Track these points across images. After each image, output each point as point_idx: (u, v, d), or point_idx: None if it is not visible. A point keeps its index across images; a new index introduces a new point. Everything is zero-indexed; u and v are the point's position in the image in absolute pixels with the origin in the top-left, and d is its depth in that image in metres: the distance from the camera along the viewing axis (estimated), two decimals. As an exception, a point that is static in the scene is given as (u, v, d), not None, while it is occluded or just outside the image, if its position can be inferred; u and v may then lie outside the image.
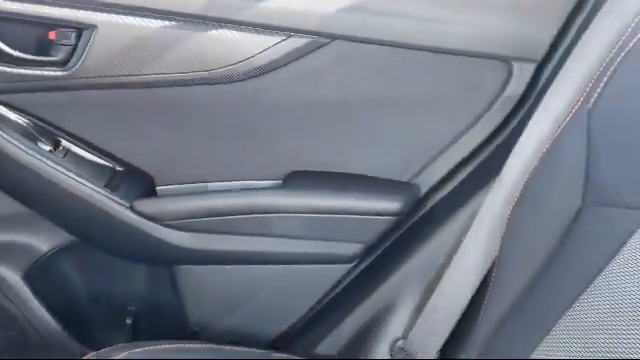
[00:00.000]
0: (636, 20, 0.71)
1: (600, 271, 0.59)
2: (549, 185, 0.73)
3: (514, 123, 0.88)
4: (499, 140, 0.90)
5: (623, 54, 0.69)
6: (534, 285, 0.67)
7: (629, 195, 0.61)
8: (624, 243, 0.58)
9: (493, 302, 0.75)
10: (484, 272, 0.79)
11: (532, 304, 0.67)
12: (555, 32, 0.87)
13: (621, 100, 0.68)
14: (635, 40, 0.69)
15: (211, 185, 0.92)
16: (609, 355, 0.54)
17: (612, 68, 0.69)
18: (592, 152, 0.68)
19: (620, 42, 0.71)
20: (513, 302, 0.69)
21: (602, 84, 0.70)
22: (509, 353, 0.66)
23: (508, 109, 0.90)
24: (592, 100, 0.71)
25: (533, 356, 0.61)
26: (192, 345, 0.84)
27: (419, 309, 0.87)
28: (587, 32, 0.79)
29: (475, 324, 0.75)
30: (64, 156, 0.89)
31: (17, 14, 0.82)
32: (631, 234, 0.57)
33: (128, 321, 1.02)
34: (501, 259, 0.77)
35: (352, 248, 0.94)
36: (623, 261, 0.58)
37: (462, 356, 0.74)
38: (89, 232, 0.94)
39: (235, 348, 0.86)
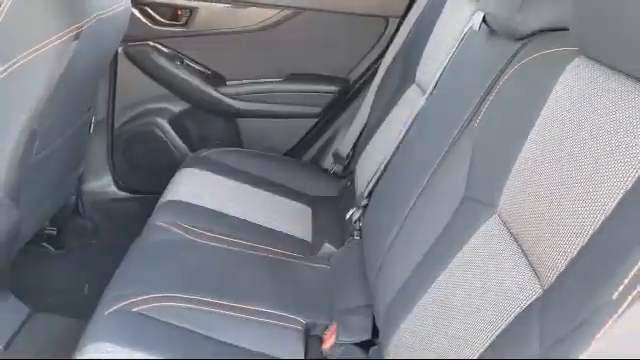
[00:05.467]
0: None
1: None
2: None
3: (390, 45, 1.87)
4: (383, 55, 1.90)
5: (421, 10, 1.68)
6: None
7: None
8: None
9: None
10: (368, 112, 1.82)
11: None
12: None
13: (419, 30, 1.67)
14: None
15: (249, 80, 1.98)
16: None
17: (417, 20, 1.68)
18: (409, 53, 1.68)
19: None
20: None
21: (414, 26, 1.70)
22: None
23: (387, 41, 1.90)
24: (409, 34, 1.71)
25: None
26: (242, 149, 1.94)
27: (345, 136, 1.91)
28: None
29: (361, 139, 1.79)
30: (186, 67, 1.96)
31: (166, 4, 1.87)
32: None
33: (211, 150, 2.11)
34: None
35: (316, 109, 2.00)
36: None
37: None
38: (197, 102, 2.02)
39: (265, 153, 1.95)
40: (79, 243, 1.97)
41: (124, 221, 2.03)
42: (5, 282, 1.43)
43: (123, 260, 1.29)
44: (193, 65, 1.98)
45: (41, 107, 1.32)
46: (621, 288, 0.53)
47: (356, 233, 1.44)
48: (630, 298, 0.52)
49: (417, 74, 1.58)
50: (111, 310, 1.07)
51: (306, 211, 1.72)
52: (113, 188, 2.08)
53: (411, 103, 1.54)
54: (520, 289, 0.73)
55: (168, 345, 1.02)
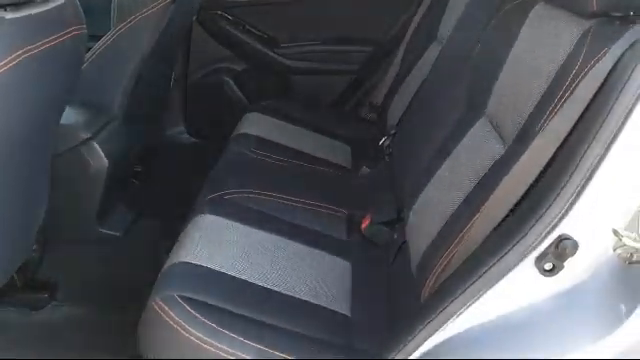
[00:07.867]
0: None
1: None
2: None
3: (417, 11, 2.23)
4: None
5: None
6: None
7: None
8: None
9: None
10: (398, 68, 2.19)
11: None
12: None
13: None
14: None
15: (299, 42, 2.38)
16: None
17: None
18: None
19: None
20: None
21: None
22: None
23: (415, 7, 2.26)
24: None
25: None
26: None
27: (379, 88, 2.29)
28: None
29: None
30: (247, 32, 2.36)
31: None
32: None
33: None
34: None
35: (354, 66, 2.39)
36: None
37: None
38: (256, 62, 2.43)
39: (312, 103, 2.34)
40: (160, 178, 2.41)
41: (194, 160, 2.46)
42: (116, 194, 1.87)
43: (211, 171, 1.69)
44: (253, 30, 2.39)
45: (145, 58, 1.74)
46: (539, 125, 0.90)
47: (387, 158, 1.82)
48: (538, 130, 0.90)
49: (439, 32, 1.94)
50: (212, 196, 1.48)
51: (346, 148, 2.11)
52: (186, 135, 2.51)
53: (433, 56, 1.91)
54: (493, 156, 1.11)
55: (253, 219, 1.43)
